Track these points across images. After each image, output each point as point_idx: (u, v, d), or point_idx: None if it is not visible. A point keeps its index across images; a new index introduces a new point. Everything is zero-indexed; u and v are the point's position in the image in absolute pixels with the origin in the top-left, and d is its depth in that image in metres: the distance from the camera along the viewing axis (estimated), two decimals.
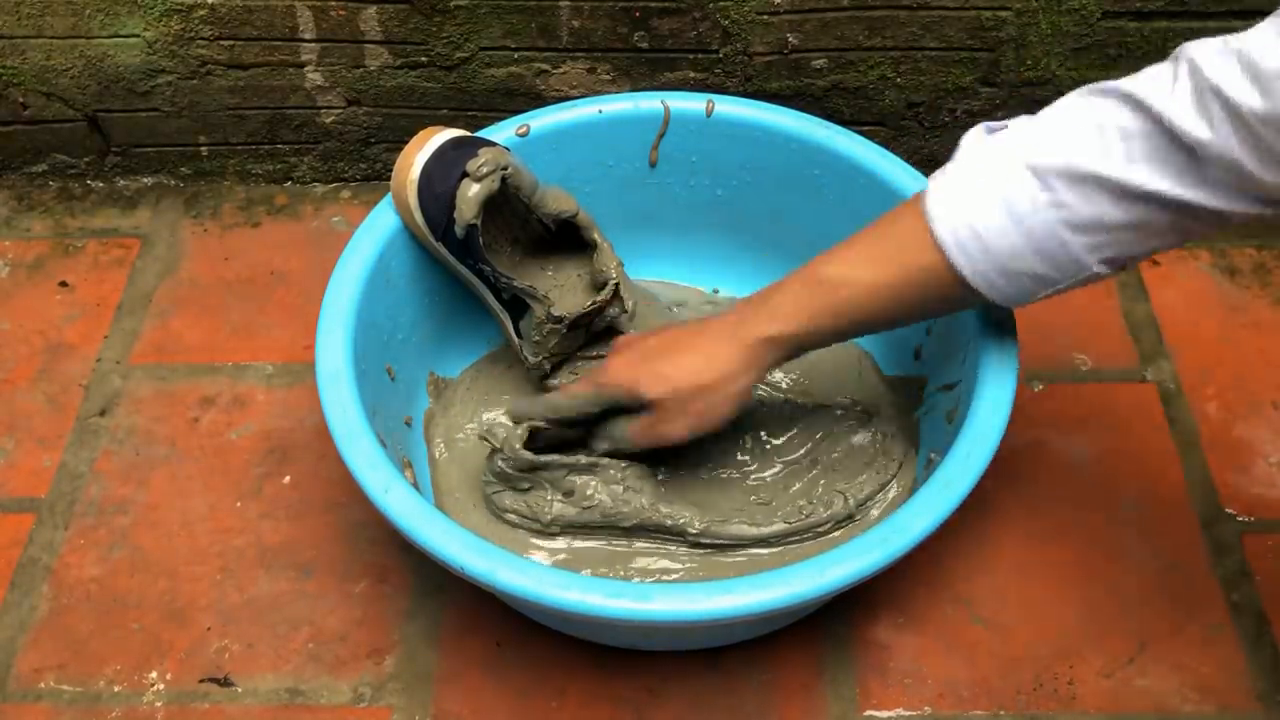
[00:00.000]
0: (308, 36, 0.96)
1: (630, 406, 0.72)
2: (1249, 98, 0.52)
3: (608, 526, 0.76)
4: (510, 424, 0.77)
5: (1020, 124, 0.62)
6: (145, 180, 1.08)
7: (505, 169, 0.75)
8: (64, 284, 1.00)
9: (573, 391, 0.75)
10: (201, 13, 0.94)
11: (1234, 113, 0.52)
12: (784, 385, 0.84)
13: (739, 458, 0.80)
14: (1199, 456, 0.86)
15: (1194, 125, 0.54)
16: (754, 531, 0.76)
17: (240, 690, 0.76)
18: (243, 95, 1.01)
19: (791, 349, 0.69)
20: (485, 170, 0.74)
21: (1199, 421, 0.88)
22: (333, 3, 0.93)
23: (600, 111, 0.84)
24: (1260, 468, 0.86)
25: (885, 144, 1.01)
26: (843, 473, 0.78)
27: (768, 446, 0.80)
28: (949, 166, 0.63)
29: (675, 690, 0.75)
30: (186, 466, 0.87)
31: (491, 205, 0.76)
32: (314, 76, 0.99)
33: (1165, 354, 0.93)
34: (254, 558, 0.82)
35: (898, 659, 0.76)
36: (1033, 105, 0.95)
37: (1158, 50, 0.92)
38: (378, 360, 0.77)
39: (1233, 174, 0.54)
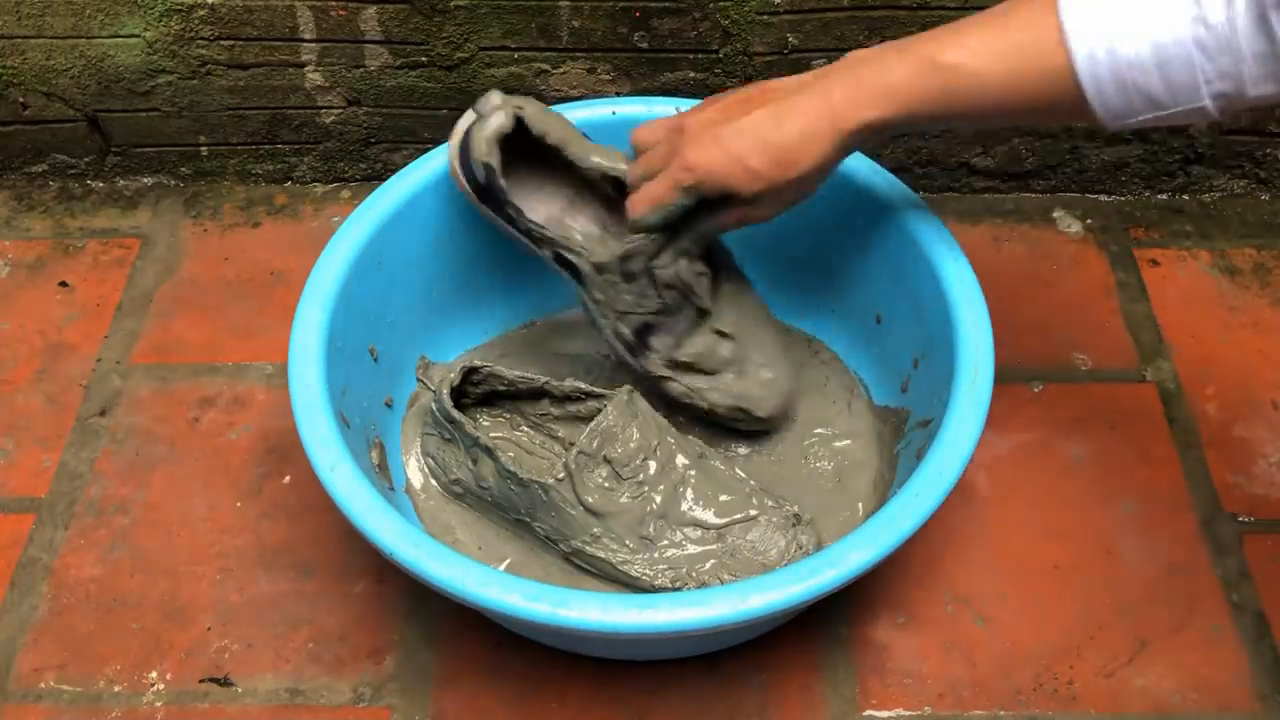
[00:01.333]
0: (308, 36, 0.96)
1: (707, 203, 0.69)
2: None
3: (499, 509, 0.77)
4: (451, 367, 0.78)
5: None
6: (145, 180, 1.08)
7: (520, 108, 0.73)
8: (64, 284, 1.00)
9: (655, 198, 0.70)
10: (201, 13, 0.94)
11: None
12: (742, 455, 0.81)
13: (654, 490, 0.75)
14: (1199, 456, 0.86)
15: None
16: (623, 569, 0.73)
17: (240, 690, 0.76)
18: (243, 95, 1.01)
19: (887, 132, 0.66)
20: (494, 105, 0.72)
21: (1199, 421, 0.88)
22: (333, 3, 0.94)
23: (614, 113, 0.84)
24: (1260, 468, 0.86)
25: (885, 144, 1.01)
26: (740, 564, 0.73)
27: (684, 504, 0.75)
28: None
29: (675, 691, 0.75)
30: (186, 466, 0.87)
31: (520, 152, 0.75)
32: (314, 76, 0.99)
33: (1165, 354, 0.93)
34: (254, 558, 0.82)
35: (898, 659, 0.76)
36: None
37: None
38: (359, 340, 0.77)
39: None
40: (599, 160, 0.75)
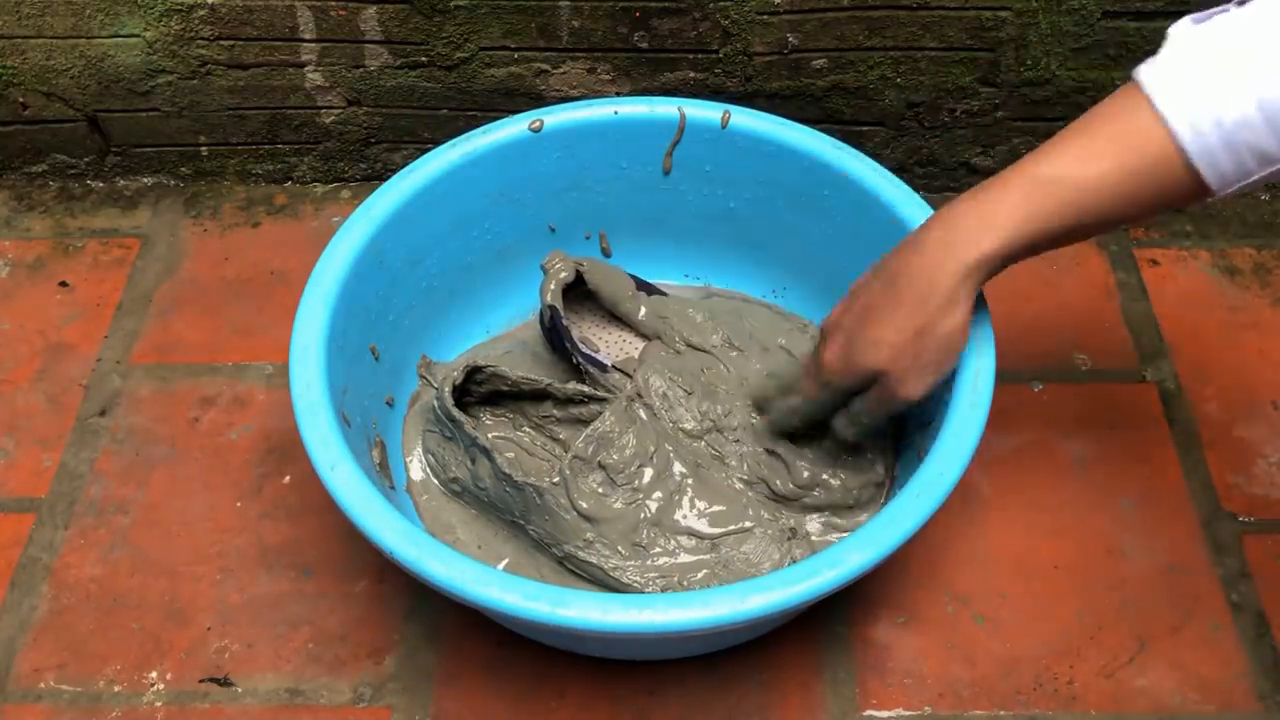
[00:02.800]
0: (308, 36, 0.96)
1: (863, 386, 0.68)
2: None
3: (495, 509, 0.77)
4: (458, 366, 0.78)
5: (1245, 3, 0.59)
6: (145, 180, 1.08)
7: (580, 264, 0.84)
8: (64, 284, 1.00)
9: (807, 394, 0.72)
10: (201, 13, 0.94)
11: None
12: (743, 471, 0.79)
13: (649, 497, 0.75)
14: (1199, 456, 0.86)
15: None
16: (614, 575, 0.73)
17: (240, 690, 0.76)
18: (243, 95, 1.01)
19: (1007, 261, 0.64)
20: (557, 265, 0.83)
21: (1199, 421, 0.88)
22: (333, 3, 0.94)
23: (616, 113, 0.84)
24: (1260, 468, 0.86)
25: (885, 144, 1.01)
26: (733, 575, 0.73)
27: (678, 513, 0.76)
28: (1163, 54, 0.60)
29: (675, 691, 0.75)
30: (186, 466, 0.87)
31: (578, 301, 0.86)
32: (314, 76, 0.99)
33: (1165, 354, 0.93)
34: (254, 558, 0.82)
35: (898, 659, 0.76)
36: (1032, 105, 0.96)
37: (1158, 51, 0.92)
38: (361, 339, 0.77)
39: None
40: (638, 317, 0.86)
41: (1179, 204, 0.62)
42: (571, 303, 0.86)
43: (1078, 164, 0.61)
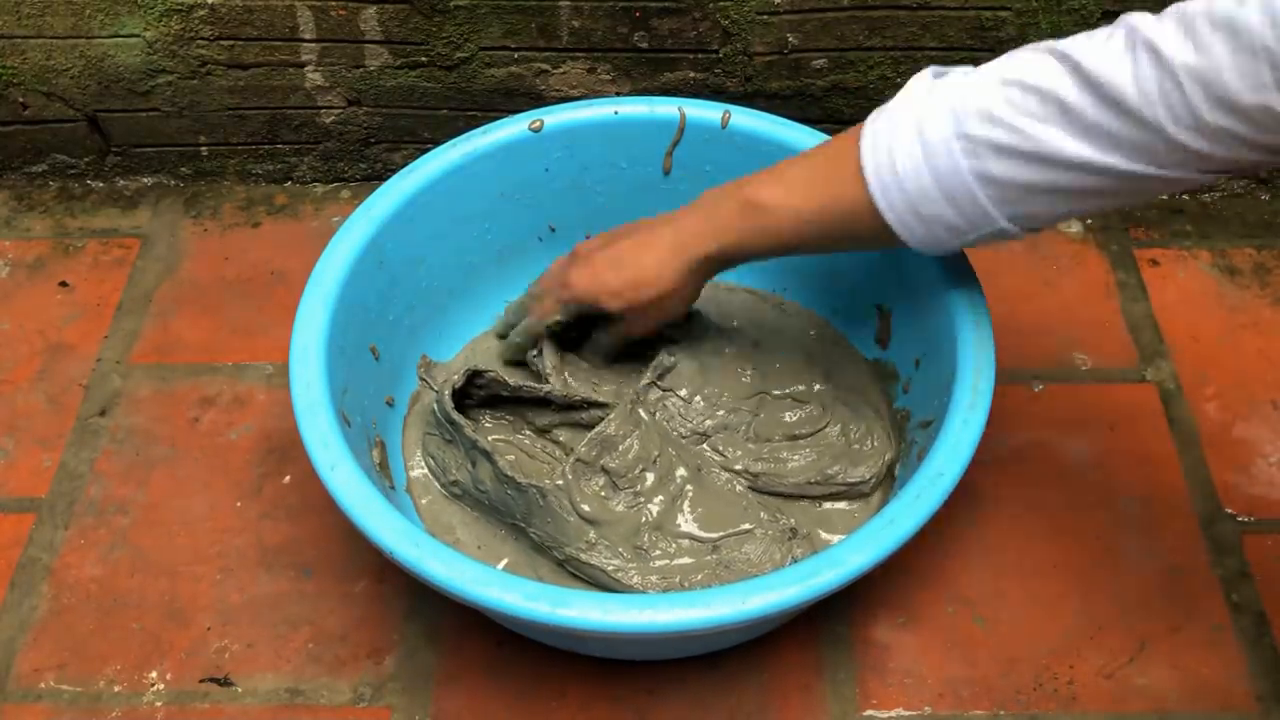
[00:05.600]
0: (308, 36, 0.96)
1: (596, 315, 0.78)
2: (1181, 51, 0.52)
3: (496, 512, 0.77)
4: (461, 369, 0.79)
5: (960, 71, 0.62)
6: (145, 180, 1.08)
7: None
8: (64, 284, 1.00)
9: (543, 310, 0.80)
10: (201, 13, 0.94)
11: (1163, 66, 0.52)
12: (745, 474, 0.79)
13: (651, 500, 0.75)
14: (1199, 456, 0.86)
15: (1117, 77, 0.54)
16: (615, 577, 0.73)
17: (240, 690, 0.76)
18: (243, 95, 1.01)
19: (726, 263, 0.73)
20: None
21: (1199, 421, 0.88)
22: (333, 3, 0.94)
23: (616, 113, 0.84)
24: (1260, 468, 0.86)
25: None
26: (734, 577, 0.73)
27: (679, 516, 0.76)
28: (891, 102, 0.63)
29: (675, 691, 0.75)
30: (186, 466, 0.87)
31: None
32: (314, 76, 0.99)
33: (1165, 354, 0.93)
34: (254, 558, 0.82)
35: (898, 659, 0.76)
36: None
37: None
38: (361, 339, 0.77)
39: (1145, 132, 0.54)
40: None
41: (885, 245, 0.66)
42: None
43: (787, 196, 0.67)
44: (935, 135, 0.60)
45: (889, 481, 0.78)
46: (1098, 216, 1.02)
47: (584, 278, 0.76)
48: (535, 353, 0.82)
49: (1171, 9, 0.54)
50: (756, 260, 0.72)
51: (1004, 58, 0.60)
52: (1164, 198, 1.04)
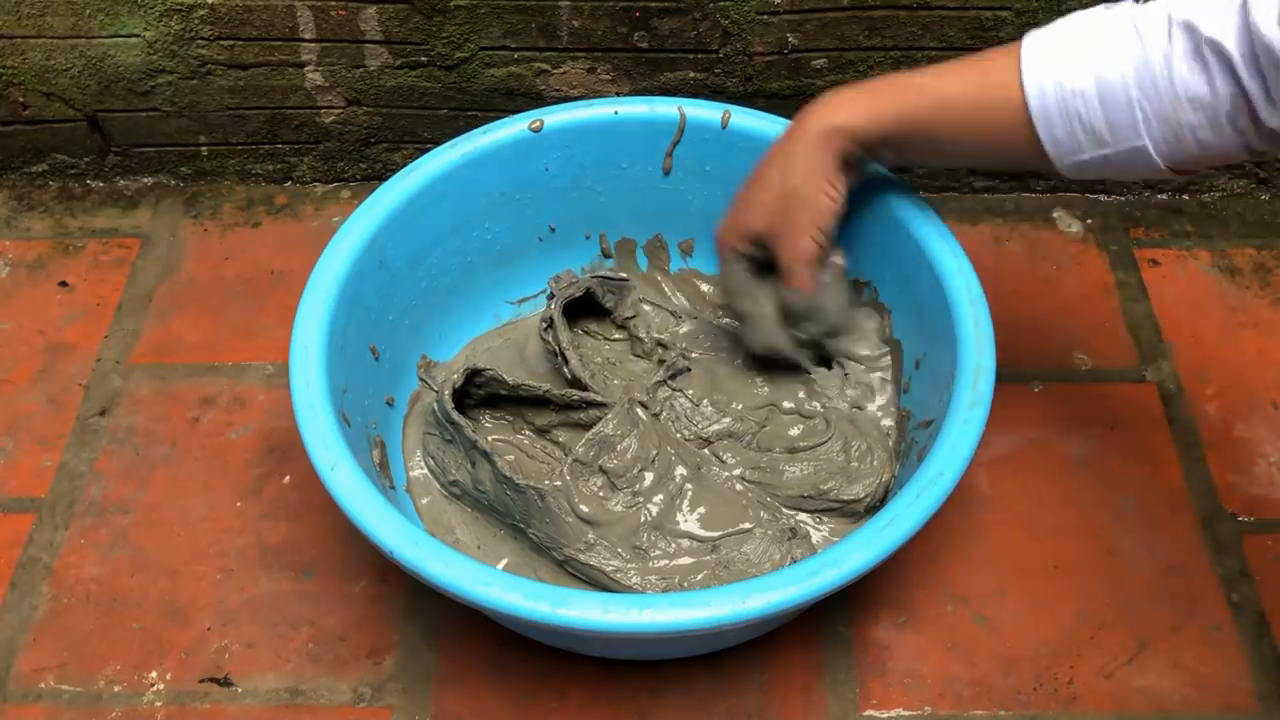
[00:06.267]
0: (308, 36, 0.96)
1: (760, 251, 0.75)
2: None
3: (495, 512, 0.77)
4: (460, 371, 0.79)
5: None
6: (145, 180, 1.08)
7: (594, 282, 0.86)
8: (64, 284, 1.00)
9: (723, 271, 0.78)
10: (201, 13, 0.94)
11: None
12: (741, 480, 0.79)
13: (650, 500, 0.75)
14: (1199, 456, 0.86)
15: (1270, 28, 0.55)
16: (615, 577, 0.73)
17: (240, 690, 0.76)
18: (243, 95, 1.01)
19: (864, 144, 0.70)
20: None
21: (1199, 421, 0.88)
22: (333, 3, 0.94)
23: (616, 113, 0.84)
24: (1260, 468, 0.86)
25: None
26: (733, 576, 0.73)
27: (679, 515, 0.76)
28: (1055, 22, 0.64)
29: (675, 691, 0.75)
30: (186, 466, 0.87)
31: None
32: (314, 76, 0.99)
33: (1165, 354, 0.93)
34: (254, 558, 0.82)
35: (898, 659, 0.76)
36: None
37: None
38: (360, 339, 0.77)
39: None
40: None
41: (1022, 158, 0.66)
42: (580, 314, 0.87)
43: (939, 79, 0.67)
44: (1108, 36, 0.60)
45: (884, 503, 0.78)
46: (1098, 215, 1.02)
47: (725, 222, 0.76)
48: (546, 325, 0.82)
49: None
50: (890, 150, 0.70)
51: None
52: (1163, 196, 1.04)
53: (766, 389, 0.82)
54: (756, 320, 0.78)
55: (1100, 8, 0.63)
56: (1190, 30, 0.58)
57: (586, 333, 0.88)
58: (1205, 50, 0.57)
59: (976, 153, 0.70)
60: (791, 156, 0.71)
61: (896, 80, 0.69)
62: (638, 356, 0.86)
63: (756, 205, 0.73)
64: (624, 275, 0.88)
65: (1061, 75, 0.61)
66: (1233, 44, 0.56)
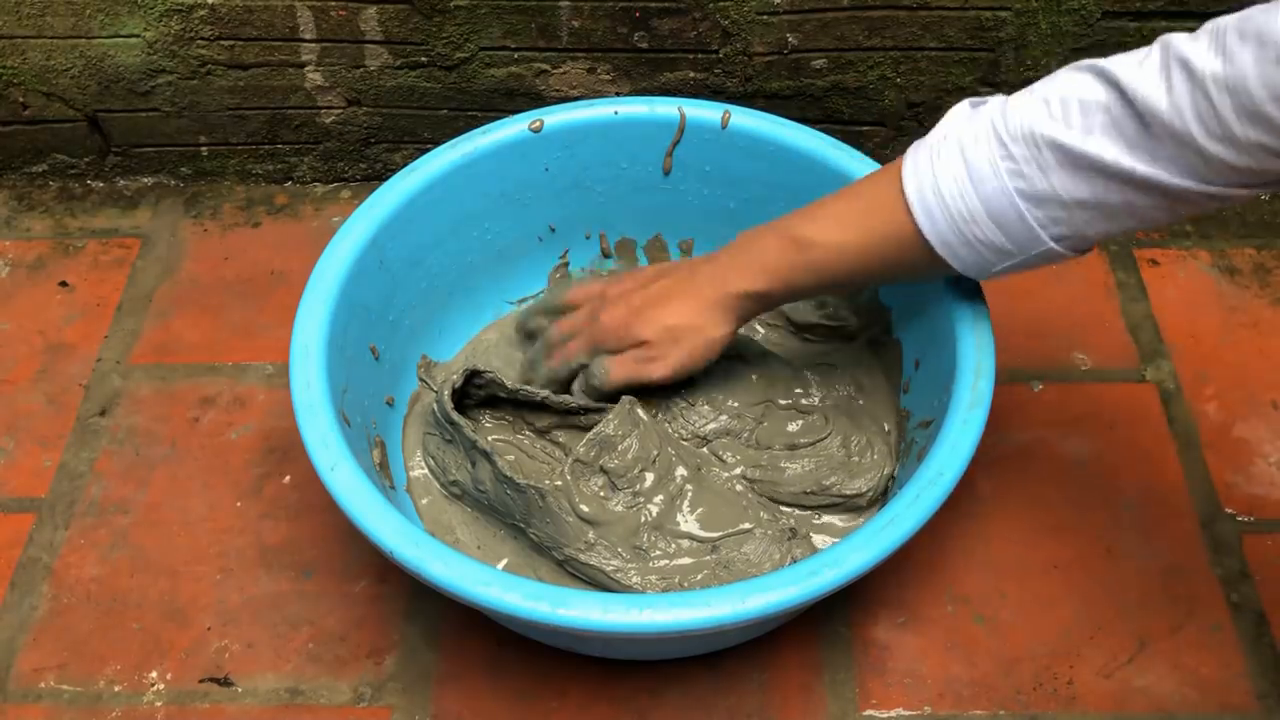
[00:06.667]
0: (308, 36, 0.96)
1: (618, 349, 0.76)
2: (1210, 63, 0.53)
3: (495, 512, 0.77)
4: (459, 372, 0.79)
5: (998, 98, 0.63)
6: (145, 180, 1.08)
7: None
8: (64, 284, 1.00)
9: (568, 353, 0.78)
10: (201, 13, 0.94)
11: (1194, 78, 0.53)
12: (742, 479, 0.79)
13: (651, 500, 0.75)
14: (1199, 456, 0.86)
15: (1153, 93, 0.55)
16: (615, 578, 0.73)
17: (240, 690, 0.76)
18: (243, 95, 1.01)
19: (769, 303, 0.72)
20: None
21: (1199, 421, 0.88)
22: (333, 3, 0.94)
23: (616, 113, 0.84)
24: (1260, 468, 0.86)
25: (885, 144, 1.02)
26: (733, 576, 0.73)
27: (679, 516, 0.76)
28: (930, 134, 0.64)
29: (675, 691, 0.75)
30: (186, 466, 0.87)
31: None
32: (314, 76, 0.99)
33: (1165, 354, 0.93)
34: (254, 558, 0.82)
35: (898, 659, 0.76)
36: None
37: None
38: (360, 339, 0.77)
39: (1181, 146, 0.55)
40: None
41: (928, 274, 0.67)
42: None
43: (830, 231, 0.67)
44: (979, 157, 0.60)
45: (886, 497, 0.78)
46: None
47: (618, 321, 0.75)
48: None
49: (1207, 25, 0.54)
50: (797, 299, 0.72)
51: (1042, 81, 0.61)
52: None
53: (761, 385, 0.82)
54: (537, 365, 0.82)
55: (965, 112, 0.63)
56: (1058, 148, 0.58)
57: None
58: (1079, 160, 0.58)
59: (885, 282, 0.72)
60: (705, 305, 0.72)
61: (789, 233, 0.69)
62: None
63: (657, 325, 0.74)
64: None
65: (948, 202, 0.61)
66: (1110, 149, 0.57)
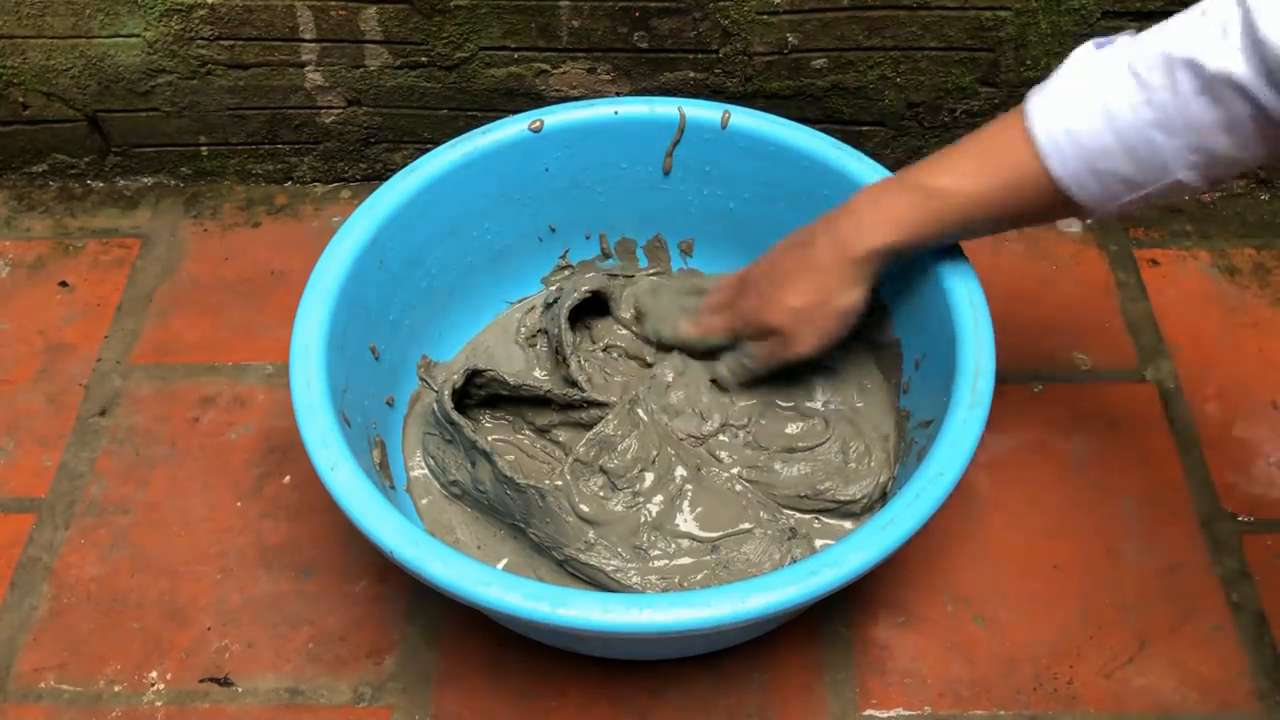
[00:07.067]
0: (308, 36, 0.96)
1: (756, 335, 0.77)
2: None
3: (495, 512, 0.77)
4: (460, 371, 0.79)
5: (1127, 34, 0.63)
6: (145, 180, 1.08)
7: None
8: (64, 284, 1.00)
9: (707, 326, 0.81)
10: (201, 13, 0.94)
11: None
12: (739, 480, 0.79)
13: (650, 500, 0.76)
14: (1199, 456, 0.86)
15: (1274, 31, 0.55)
16: (615, 577, 0.73)
17: (240, 690, 0.76)
18: (243, 95, 1.01)
19: (897, 255, 0.71)
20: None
21: (1199, 421, 0.88)
22: (333, 3, 0.94)
23: (616, 113, 0.84)
24: (1260, 468, 0.86)
25: (885, 144, 1.02)
26: (733, 576, 0.73)
27: (678, 516, 0.76)
28: (1051, 77, 0.64)
29: (675, 691, 0.75)
30: (186, 466, 0.87)
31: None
32: (314, 76, 0.99)
33: (1165, 354, 0.93)
34: (254, 558, 0.82)
35: (898, 659, 0.76)
36: None
37: None
38: (360, 339, 0.77)
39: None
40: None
41: (1060, 215, 0.67)
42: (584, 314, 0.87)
43: (961, 178, 0.67)
44: (1112, 90, 0.60)
45: (881, 504, 0.78)
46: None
47: (749, 311, 0.76)
48: (556, 331, 0.82)
49: None
50: (919, 249, 0.71)
51: (1162, 23, 0.61)
52: None
53: (763, 385, 0.82)
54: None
55: (1090, 53, 0.63)
56: (1193, 67, 0.58)
57: (588, 329, 0.88)
58: (1216, 85, 0.57)
59: (1011, 226, 0.71)
60: (831, 273, 0.72)
61: (917, 184, 0.69)
62: (634, 359, 0.86)
63: (784, 307, 0.74)
64: (630, 273, 0.88)
65: (1079, 137, 0.62)
66: (1242, 70, 0.56)
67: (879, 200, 0.71)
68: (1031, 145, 0.63)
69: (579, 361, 0.82)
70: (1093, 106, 0.61)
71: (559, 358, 0.82)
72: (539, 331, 0.87)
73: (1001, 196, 0.66)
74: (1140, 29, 0.92)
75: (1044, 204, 0.65)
